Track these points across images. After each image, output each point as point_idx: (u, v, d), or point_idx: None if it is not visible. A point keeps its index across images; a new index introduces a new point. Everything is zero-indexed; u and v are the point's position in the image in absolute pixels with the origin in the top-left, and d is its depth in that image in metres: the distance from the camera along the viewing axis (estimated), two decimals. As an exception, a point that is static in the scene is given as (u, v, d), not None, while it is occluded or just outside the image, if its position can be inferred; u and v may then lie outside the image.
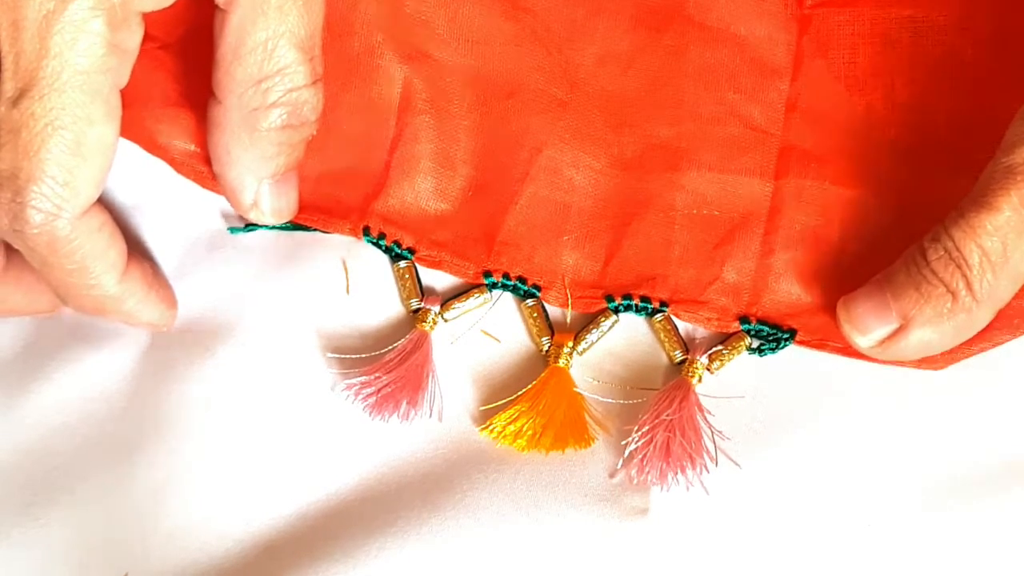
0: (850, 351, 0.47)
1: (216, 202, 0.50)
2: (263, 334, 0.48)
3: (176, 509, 0.46)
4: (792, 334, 0.48)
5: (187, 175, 0.50)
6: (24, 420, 0.47)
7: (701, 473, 0.46)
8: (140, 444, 0.47)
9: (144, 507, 0.46)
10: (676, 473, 0.46)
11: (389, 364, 0.47)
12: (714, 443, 0.46)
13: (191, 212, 0.50)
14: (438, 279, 0.50)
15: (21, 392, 0.48)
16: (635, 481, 0.46)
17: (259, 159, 0.45)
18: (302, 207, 0.49)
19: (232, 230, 0.50)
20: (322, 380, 0.48)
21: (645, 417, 0.46)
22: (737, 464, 0.46)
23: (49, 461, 0.47)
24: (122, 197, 0.50)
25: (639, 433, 0.46)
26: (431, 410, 0.47)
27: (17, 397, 0.48)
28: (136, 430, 0.47)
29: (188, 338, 0.48)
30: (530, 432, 0.47)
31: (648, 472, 0.46)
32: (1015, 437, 0.47)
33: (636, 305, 0.48)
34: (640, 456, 0.46)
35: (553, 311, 0.49)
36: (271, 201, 0.47)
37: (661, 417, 0.46)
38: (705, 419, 0.46)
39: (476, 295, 0.49)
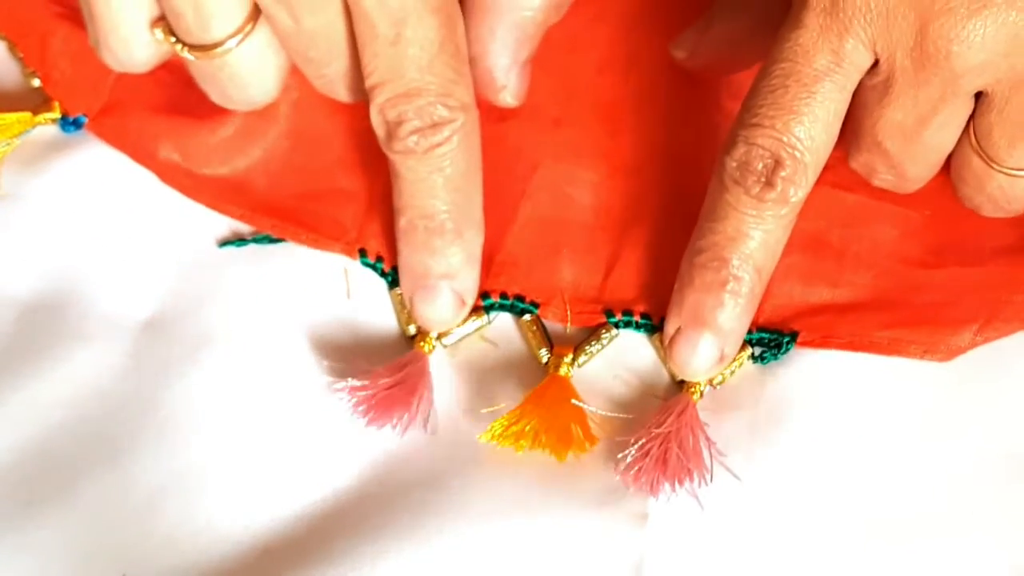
0: (853, 344, 0.47)
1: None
2: (261, 335, 0.48)
3: (174, 511, 0.45)
4: (794, 336, 0.47)
5: (173, 185, 0.50)
6: (17, 419, 0.47)
7: (699, 486, 0.45)
8: (137, 445, 0.46)
9: (142, 509, 0.45)
10: (673, 485, 0.45)
11: (387, 372, 0.47)
12: (711, 456, 0.45)
13: (189, 214, 0.50)
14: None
15: (12, 390, 0.47)
16: (631, 491, 0.45)
17: (519, 41, 0.47)
18: (288, 223, 0.49)
19: (221, 245, 0.50)
20: (320, 383, 0.47)
21: (642, 431, 0.46)
22: (738, 477, 0.45)
23: (44, 461, 0.46)
24: (118, 195, 0.51)
25: (636, 446, 0.45)
26: (426, 424, 0.47)
27: (8, 395, 0.47)
28: (133, 431, 0.46)
29: (184, 336, 0.48)
30: (532, 433, 0.46)
31: (644, 484, 0.45)
32: (1018, 432, 0.46)
33: (636, 322, 0.48)
34: (636, 468, 0.45)
35: (552, 325, 0.49)
36: (520, 84, 0.48)
37: (658, 429, 0.45)
38: (704, 433, 0.46)
39: (474, 318, 0.49)
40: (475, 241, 0.47)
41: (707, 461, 0.45)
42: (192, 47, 0.44)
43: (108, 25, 0.44)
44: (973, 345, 0.46)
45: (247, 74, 0.45)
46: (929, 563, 0.44)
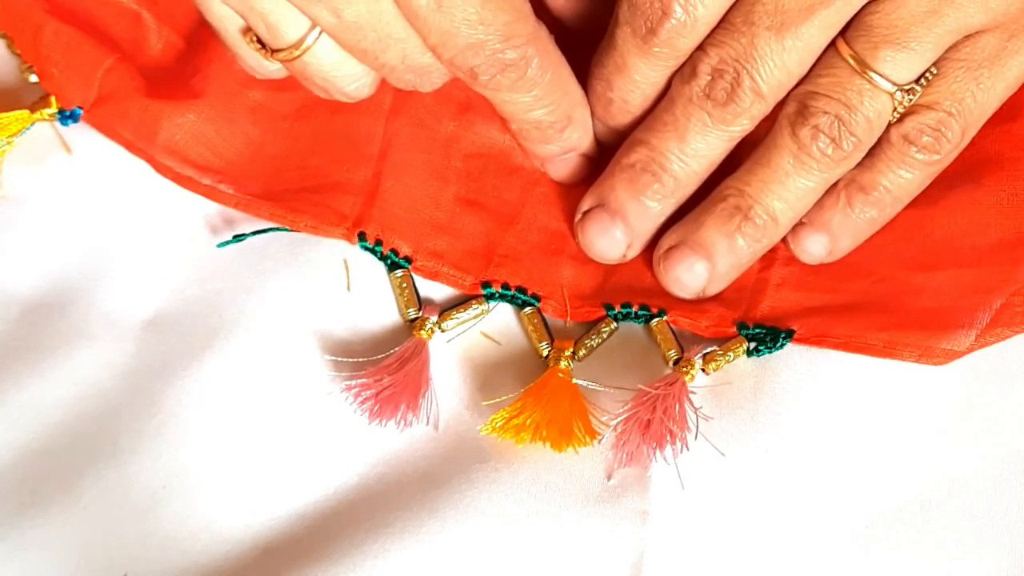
0: (849, 345, 0.47)
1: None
2: (262, 333, 0.48)
3: (175, 510, 0.46)
4: (790, 334, 0.47)
5: (169, 176, 0.50)
6: (19, 418, 0.47)
7: (680, 451, 0.45)
8: (138, 444, 0.46)
9: (143, 508, 0.46)
10: (653, 448, 0.45)
11: (388, 368, 0.47)
12: (697, 425, 0.45)
13: (190, 213, 0.50)
14: (435, 288, 0.50)
15: (14, 389, 0.47)
16: (615, 462, 0.46)
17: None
18: (287, 211, 0.49)
19: (220, 244, 0.50)
20: (321, 380, 0.48)
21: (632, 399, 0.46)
22: (721, 452, 0.46)
23: (46, 460, 0.46)
24: (119, 195, 0.51)
25: (623, 409, 0.46)
26: (428, 418, 0.47)
27: (10, 393, 0.47)
28: (134, 430, 0.47)
29: (186, 335, 0.48)
30: (533, 426, 0.46)
31: (625, 448, 0.45)
32: (1016, 433, 0.46)
33: (635, 312, 0.48)
34: (619, 431, 0.46)
35: (552, 320, 0.49)
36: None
37: (645, 396, 0.46)
38: (690, 401, 0.46)
39: (475, 306, 0.49)
40: (583, 114, 0.49)
41: (690, 425, 0.45)
42: (275, 52, 0.45)
43: (228, 42, 0.47)
44: (971, 350, 0.46)
45: (332, 69, 0.46)
46: (927, 561, 0.45)
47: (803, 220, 0.48)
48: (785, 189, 0.46)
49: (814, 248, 0.48)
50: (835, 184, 0.47)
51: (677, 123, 0.46)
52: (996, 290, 0.47)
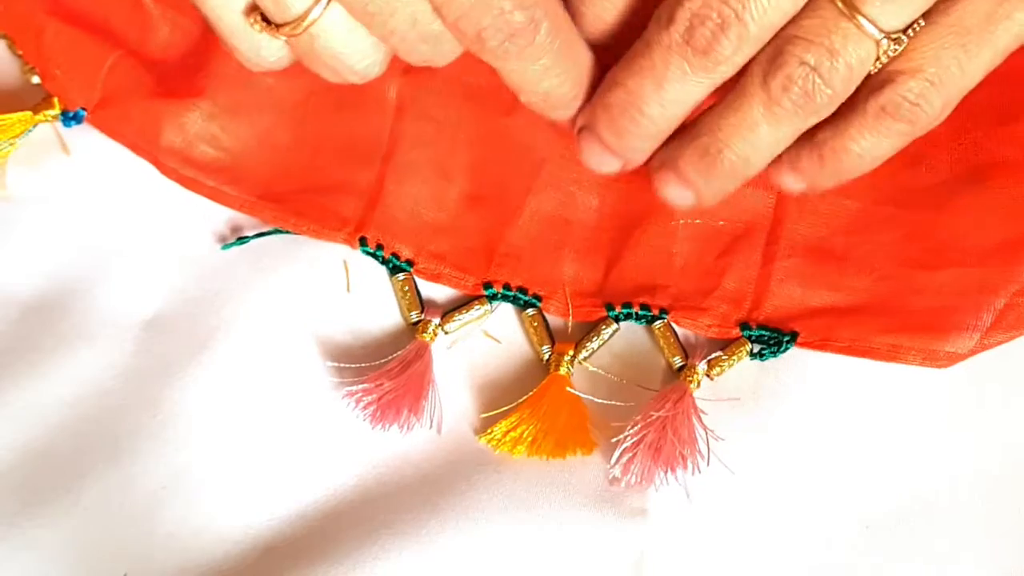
0: (853, 349, 0.47)
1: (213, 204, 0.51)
2: (263, 334, 0.48)
3: (175, 511, 0.46)
4: (794, 336, 0.47)
5: (173, 177, 0.50)
6: (20, 418, 0.47)
7: (692, 473, 0.45)
8: (138, 445, 0.46)
9: (143, 508, 0.46)
10: (665, 472, 0.45)
11: (390, 372, 0.47)
12: (707, 444, 0.45)
13: (191, 213, 0.51)
14: (437, 289, 0.50)
15: (14, 389, 0.47)
16: (623, 483, 0.45)
17: None
18: (289, 213, 0.49)
19: (224, 247, 0.50)
20: (322, 381, 0.48)
21: (639, 417, 0.46)
22: (731, 469, 0.46)
23: (46, 461, 0.46)
24: (120, 195, 0.51)
25: (631, 431, 0.45)
26: (431, 421, 0.47)
27: (10, 394, 0.47)
28: (134, 430, 0.47)
29: (186, 335, 0.48)
30: (530, 439, 0.46)
31: (635, 471, 0.45)
32: (1016, 433, 0.46)
33: (636, 313, 0.48)
34: (630, 455, 0.45)
35: (553, 320, 0.49)
36: None
37: (653, 416, 0.46)
38: (699, 420, 0.46)
39: (477, 307, 0.49)
40: (587, 82, 0.46)
41: (702, 447, 0.45)
42: (282, 27, 0.43)
43: (224, 30, 0.44)
44: (974, 352, 0.46)
45: (341, 44, 0.44)
46: (927, 561, 0.45)
47: (782, 158, 0.45)
48: (756, 136, 0.44)
49: (792, 185, 0.46)
50: (811, 135, 0.45)
51: (654, 69, 0.43)
52: (999, 289, 0.47)
